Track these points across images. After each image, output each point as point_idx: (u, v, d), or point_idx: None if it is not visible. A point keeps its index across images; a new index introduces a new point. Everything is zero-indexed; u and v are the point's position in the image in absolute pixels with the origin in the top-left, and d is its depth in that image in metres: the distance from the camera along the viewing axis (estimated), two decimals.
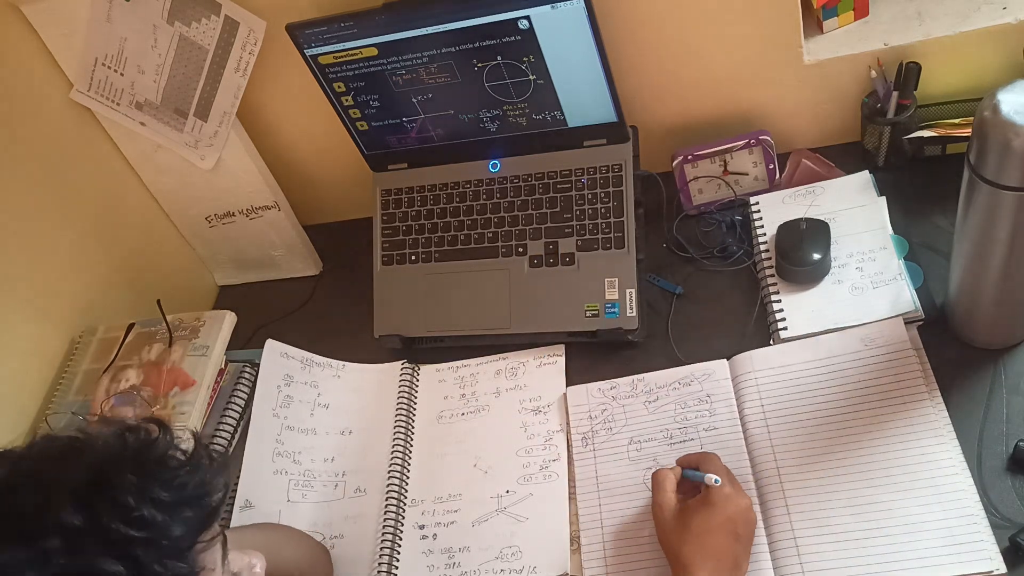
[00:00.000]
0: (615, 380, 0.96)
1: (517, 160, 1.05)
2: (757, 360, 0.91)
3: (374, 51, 0.97)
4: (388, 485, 0.96)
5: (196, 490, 0.56)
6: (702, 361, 0.94)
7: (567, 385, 0.99)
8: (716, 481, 0.77)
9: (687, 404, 0.92)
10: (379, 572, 0.90)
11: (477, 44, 0.94)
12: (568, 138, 1.02)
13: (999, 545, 0.74)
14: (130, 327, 1.06)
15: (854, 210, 0.98)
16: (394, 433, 1.00)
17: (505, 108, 1.01)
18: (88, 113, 1.10)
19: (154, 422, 0.59)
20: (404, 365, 1.05)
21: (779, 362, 0.90)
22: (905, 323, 0.88)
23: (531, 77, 0.96)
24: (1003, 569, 0.73)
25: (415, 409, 1.03)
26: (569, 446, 0.94)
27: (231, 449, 0.98)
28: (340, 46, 0.98)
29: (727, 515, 0.76)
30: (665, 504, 0.79)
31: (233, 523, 0.91)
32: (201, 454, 0.58)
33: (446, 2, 0.92)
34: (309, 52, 0.99)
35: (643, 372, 0.96)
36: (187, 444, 0.59)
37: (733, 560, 0.74)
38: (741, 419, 0.89)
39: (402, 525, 0.94)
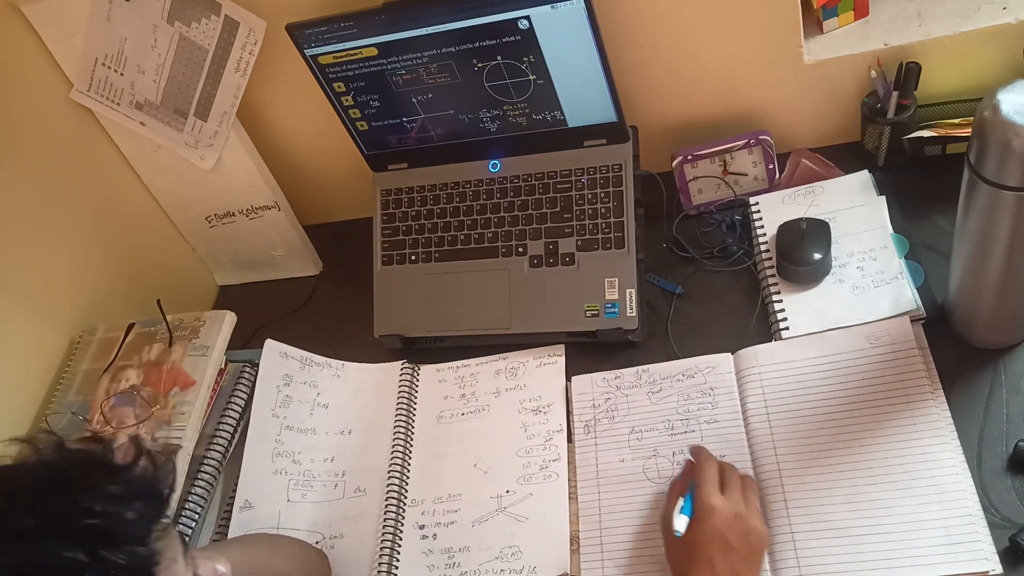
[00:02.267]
0: (620, 370, 0.97)
1: (517, 160, 1.05)
2: (762, 355, 0.92)
3: (374, 51, 0.97)
4: (388, 485, 0.96)
5: (144, 484, 0.58)
6: None
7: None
8: (677, 533, 0.77)
9: (690, 396, 0.92)
10: (379, 572, 0.90)
11: (477, 44, 0.94)
12: (568, 138, 1.02)
13: (998, 545, 0.74)
14: (130, 327, 1.06)
15: (854, 210, 0.98)
16: (394, 433, 1.00)
17: (505, 108, 1.01)
18: (88, 113, 1.10)
19: (93, 439, 0.61)
20: (404, 365, 1.05)
21: (783, 357, 0.91)
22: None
23: (531, 77, 0.97)
24: (999, 570, 0.73)
25: (415, 409, 1.03)
26: (571, 435, 0.94)
27: (231, 449, 0.98)
28: (340, 46, 0.98)
29: (713, 527, 0.76)
30: (666, 518, 0.81)
31: (232, 523, 0.91)
32: (142, 453, 0.60)
33: (446, 2, 0.92)
34: (309, 52, 0.99)
35: None
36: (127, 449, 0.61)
37: (729, 571, 0.74)
38: (743, 413, 0.89)
39: (402, 525, 0.94)
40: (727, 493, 0.79)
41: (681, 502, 0.79)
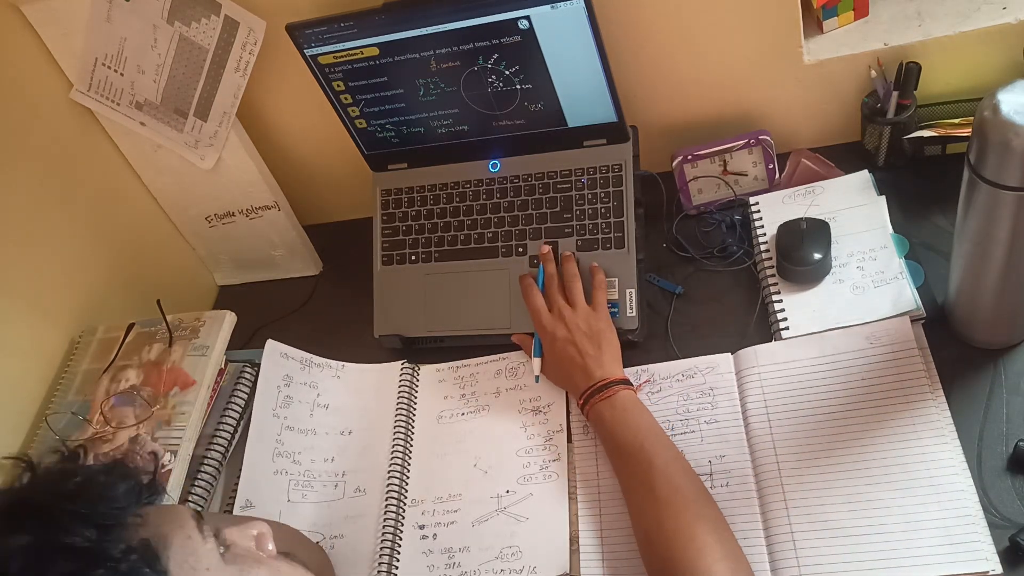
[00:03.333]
0: None
1: (517, 160, 1.05)
2: (761, 355, 0.92)
3: (375, 51, 0.97)
4: (388, 485, 0.96)
5: (114, 472, 0.62)
6: None
7: None
8: (536, 379, 0.98)
9: (689, 396, 0.92)
10: (379, 572, 0.90)
11: (477, 44, 0.94)
12: (568, 138, 1.02)
13: (998, 545, 0.74)
14: (130, 327, 1.06)
15: (854, 209, 0.98)
16: (394, 433, 1.00)
17: (505, 108, 1.01)
18: (88, 113, 1.10)
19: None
20: (404, 365, 1.05)
21: (783, 357, 0.91)
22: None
23: (531, 77, 0.96)
24: (999, 570, 0.73)
25: (415, 409, 1.03)
26: (571, 435, 0.94)
27: (231, 449, 0.98)
28: (340, 46, 0.98)
29: (556, 349, 0.94)
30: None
31: None
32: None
33: (446, 2, 0.92)
34: (309, 52, 0.99)
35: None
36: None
37: (580, 368, 0.91)
38: (743, 413, 0.89)
39: (402, 525, 0.94)
40: (553, 310, 0.96)
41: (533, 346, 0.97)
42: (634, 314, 0.97)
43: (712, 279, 1.03)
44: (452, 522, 0.92)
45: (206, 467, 0.94)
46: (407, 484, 0.97)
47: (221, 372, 1.01)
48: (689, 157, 1.05)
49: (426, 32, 0.94)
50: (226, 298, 1.28)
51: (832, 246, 0.95)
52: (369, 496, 0.96)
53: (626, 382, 0.90)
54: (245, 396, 1.01)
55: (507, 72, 0.96)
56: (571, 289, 0.97)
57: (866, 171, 1.00)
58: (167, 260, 1.22)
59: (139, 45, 1.03)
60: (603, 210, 1.01)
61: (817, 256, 0.94)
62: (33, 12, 1.02)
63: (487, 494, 0.93)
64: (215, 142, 1.08)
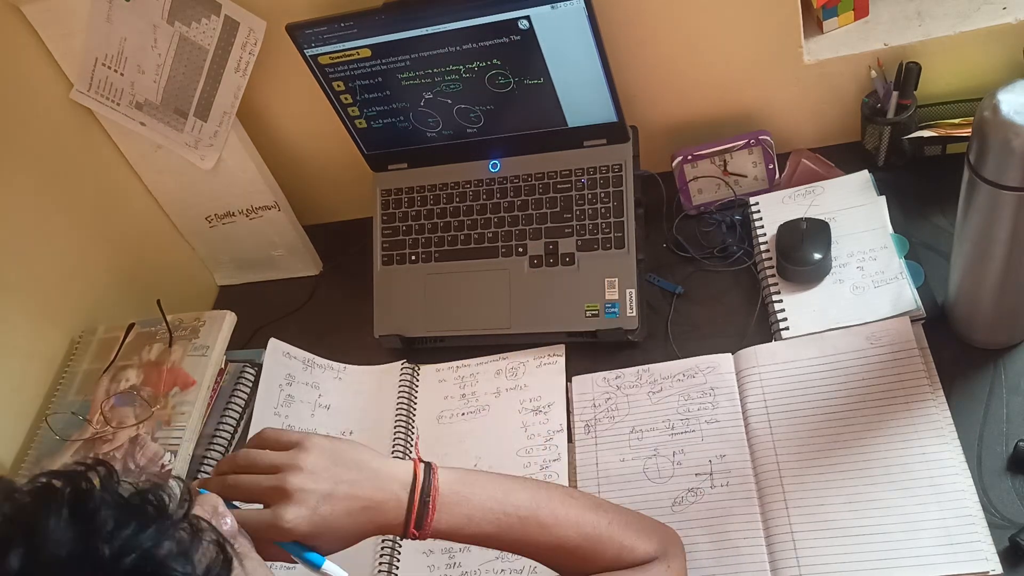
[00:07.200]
0: (620, 370, 0.97)
1: (517, 160, 1.05)
2: (762, 355, 0.92)
3: (372, 51, 0.97)
4: None
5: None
6: None
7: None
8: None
9: (690, 396, 0.92)
10: (379, 572, 0.90)
11: (477, 44, 0.94)
12: (568, 138, 1.02)
13: (998, 545, 0.74)
14: (130, 327, 1.06)
15: (854, 210, 0.98)
16: (394, 433, 1.00)
17: (505, 108, 1.01)
18: (88, 113, 1.10)
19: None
20: (404, 365, 1.05)
21: (783, 357, 0.91)
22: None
23: (531, 77, 0.96)
24: (999, 570, 0.73)
25: (415, 409, 1.03)
26: (571, 434, 0.94)
27: (231, 449, 0.98)
28: (340, 46, 0.98)
29: (316, 512, 0.62)
30: None
31: None
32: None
33: (446, 2, 0.92)
34: (309, 52, 0.99)
35: None
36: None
37: (365, 502, 0.63)
38: (743, 413, 0.89)
39: None
40: (269, 490, 0.62)
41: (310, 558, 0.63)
42: (634, 314, 0.97)
43: (712, 279, 1.03)
44: None
45: (206, 467, 0.94)
46: None
47: (221, 372, 1.01)
48: (689, 157, 1.05)
49: (426, 32, 0.94)
50: (226, 298, 1.28)
51: (832, 246, 0.95)
52: None
53: (415, 468, 0.66)
54: (245, 396, 1.01)
55: (507, 72, 0.97)
56: (253, 460, 0.65)
57: (866, 171, 1.00)
58: (167, 260, 1.22)
59: (139, 45, 1.03)
60: (603, 210, 1.01)
61: (817, 256, 0.94)
62: (33, 12, 1.02)
63: None
64: (215, 142, 1.08)
